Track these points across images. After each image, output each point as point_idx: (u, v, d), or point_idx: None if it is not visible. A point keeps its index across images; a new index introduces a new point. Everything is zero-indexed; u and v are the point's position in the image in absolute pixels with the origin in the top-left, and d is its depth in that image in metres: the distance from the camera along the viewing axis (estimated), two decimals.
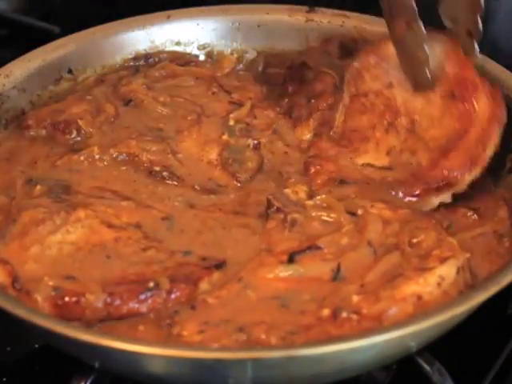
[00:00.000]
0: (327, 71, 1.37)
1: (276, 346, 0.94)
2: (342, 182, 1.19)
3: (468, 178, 1.16)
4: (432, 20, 1.25)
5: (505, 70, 1.32)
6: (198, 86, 1.40)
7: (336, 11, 1.48)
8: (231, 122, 1.33)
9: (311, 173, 1.23)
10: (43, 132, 1.31)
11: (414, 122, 1.22)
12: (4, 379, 1.15)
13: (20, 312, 0.97)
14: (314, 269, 1.04)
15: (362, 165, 1.23)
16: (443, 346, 1.04)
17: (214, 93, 1.39)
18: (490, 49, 1.33)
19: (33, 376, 1.15)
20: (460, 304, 0.97)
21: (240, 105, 1.36)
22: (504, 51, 1.55)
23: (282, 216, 1.12)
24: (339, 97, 1.30)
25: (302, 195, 1.16)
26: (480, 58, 1.32)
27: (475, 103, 1.18)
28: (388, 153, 1.23)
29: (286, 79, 1.41)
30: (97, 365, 1.01)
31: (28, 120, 1.32)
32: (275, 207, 1.13)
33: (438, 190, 1.15)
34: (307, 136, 1.31)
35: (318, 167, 1.23)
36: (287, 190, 1.16)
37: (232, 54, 1.51)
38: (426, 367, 1.03)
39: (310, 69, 1.39)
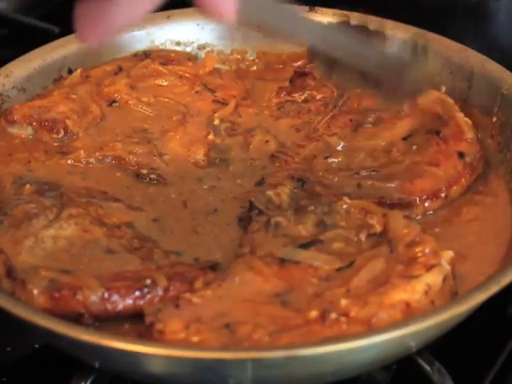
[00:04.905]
0: (329, 86, 1.38)
1: (276, 346, 0.94)
2: (299, 180, 1.19)
3: (426, 207, 1.18)
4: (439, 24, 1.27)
5: (505, 69, 1.32)
6: (181, 85, 1.40)
7: (336, 11, 1.48)
8: (216, 121, 1.33)
9: (275, 166, 1.25)
10: (28, 129, 1.31)
11: (393, 145, 1.25)
12: (4, 379, 1.15)
13: (20, 312, 0.97)
14: (321, 259, 1.05)
15: None
16: (443, 346, 1.04)
17: (197, 91, 1.39)
18: (490, 49, 1.34)
19: (33, 376, 1.15)
20: (460, 304, 0.97)
21: (224, 103, 1.37)
22: (504, 51, 1.55)
23: (264, 219, 1.12)
24: (331, 109, 1.33)
25: (285, 197, 1.16)
26: (480, 57, 1.33)
27: (456, 148, 1.23)
28: None
29: (292, 79, 1.42)
30: (97, 365, 1.01)
31: (14, 115, 1.31)
32: (257, 210, 1.13)
33: (391, 206, 1.16)
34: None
35: (282, 162, 1.25)
36: (269, 192, 1.16)
37: (232, 53, 1.52)
38: (426, 367, 1.03)
39: (314, 79, 1.40)
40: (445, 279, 1.02)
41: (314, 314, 0.98)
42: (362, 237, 1.08)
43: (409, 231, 1.07)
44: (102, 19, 0.94)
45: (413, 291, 0.99)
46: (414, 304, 0.98)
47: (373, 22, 1.42)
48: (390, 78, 1.12)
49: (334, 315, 0.97)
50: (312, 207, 1.13)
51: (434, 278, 1.01)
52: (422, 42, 1.16)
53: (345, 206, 1.12)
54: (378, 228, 1.09)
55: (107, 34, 0.95)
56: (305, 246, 1.07)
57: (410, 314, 0.98)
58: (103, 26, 0.94)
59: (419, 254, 1.03)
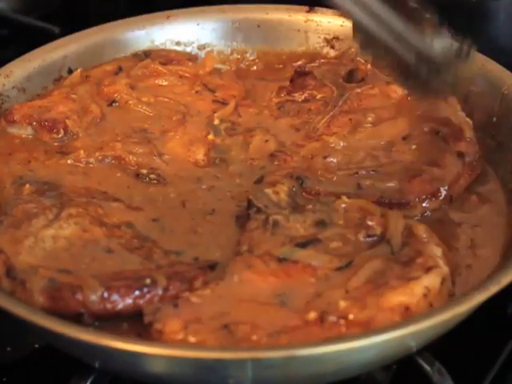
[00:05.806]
0: (329, 85, 1.38)
1: (276, 346, 0.94)
2: (298, 178, 1.19)
3: (424, 207, 1.18)
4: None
5: (505, 70, 1.32)
6: (181, 85, 1.40)
7: (336, 11, 1.48)
8: (216, 121, 1.33)
9: (274, 165, 1.25)
10: (28, 129, 1.31)
11: (392, 145, 1.25)
12: (4, 379, 1.15)
13: (20, 312, 0.97)
14: (319, 258, 1.04)
15: None
16: (443, 345, 1.04)
17: (197, 91, 1.39)
18: (490, 49, 1.33)
19: (33, 376, 1.15)
20: (460, 304, 0.97)
21: (224, 103, 1.37)
22: (504, 51, 1.55)
23: (263, 217, 1.11)
24: (331, 108, 1.33)
25: (283, 195, 1.16)
26: (480, 57, 1.33)
27: (456, 148, 1.23)
28: None
29: (292, 79, 1.42)
30: (97, 365, 1.01)
31: (14, 115, 1.31)
32: (255, 208, 1.13)
33: (390, 206, 1.16)
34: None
35: (282, 161, 1.25)
36: (268, 190, 1.16)
37: (232, 53, 1.52)
38: (426, 367, 1.03)
39: (314, 79, 1.39)
40: (443, 281, 1.02)
41: (312, 315, 0.97)
42: (360, 236, 1.08)
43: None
44: None
45: (412, 294, 0.99)
46: (413, 307, 0.98)
47: None
48: (427, 72, 1.10)
49: (332, 317, 0.97)
50: (310, 206, 1.13)
51: (432, 281, 1.00)
52: (467, 44, 1.12)
53: (343, 205, 1.12)
54: (377, 228, 1.09)
55: None
56: (303, 245, 1.07)
57: (408, 317, 0.97)
58: None
59: (417, 255, 1.03)
